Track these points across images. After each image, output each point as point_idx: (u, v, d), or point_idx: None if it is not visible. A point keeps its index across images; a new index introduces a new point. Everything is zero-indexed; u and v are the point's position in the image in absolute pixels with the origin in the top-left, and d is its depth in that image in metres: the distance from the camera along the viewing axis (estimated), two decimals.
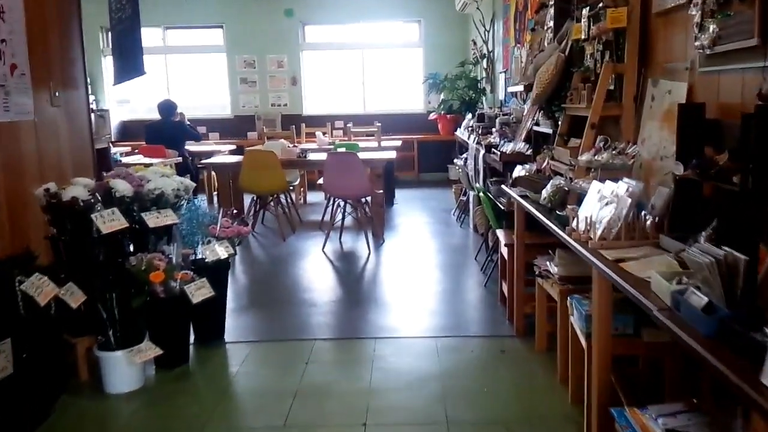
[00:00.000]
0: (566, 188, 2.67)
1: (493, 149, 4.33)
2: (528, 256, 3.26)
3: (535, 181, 2.98)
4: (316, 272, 4.87)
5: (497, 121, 4.85)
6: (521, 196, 3.11)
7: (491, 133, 5.33)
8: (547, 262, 2.91)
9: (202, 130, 10.26)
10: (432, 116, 9.60)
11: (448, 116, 9.48)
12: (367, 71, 10.25)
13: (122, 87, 10.92)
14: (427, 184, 9.46)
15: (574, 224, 2.25)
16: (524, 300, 3.33)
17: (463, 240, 5.83)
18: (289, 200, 6.83)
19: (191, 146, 8.31)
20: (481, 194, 4.33)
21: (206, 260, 3.23)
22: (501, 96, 5.87)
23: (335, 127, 9.93)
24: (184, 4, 10.00)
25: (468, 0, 7.65)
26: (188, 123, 7.92)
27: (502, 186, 3.53)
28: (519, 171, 3.57)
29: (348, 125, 8.19)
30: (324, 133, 8.40)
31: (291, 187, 6.79)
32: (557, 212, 2.55)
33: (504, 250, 3.62)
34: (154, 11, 10.03)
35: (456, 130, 9.36)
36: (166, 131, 7.58)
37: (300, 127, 9.28)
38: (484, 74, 7.39)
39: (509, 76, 5.81)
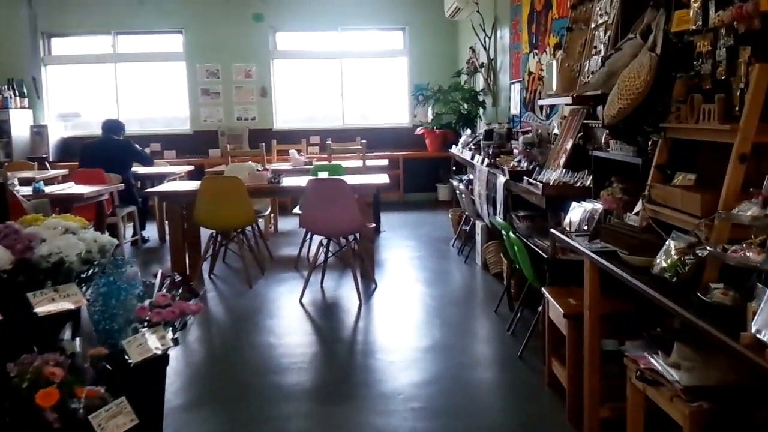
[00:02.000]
0: (703, 256, 1.67)
1: (526, 177, 3.31)
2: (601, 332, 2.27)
3: (632, 236, 1.98)
4: (292, 339, 3.75)
5: (520, 140, 3.87)
6: (598, 252, 2.11)
7: (508, 154, 4.35)
8: (652, 358, 1.90)
9: (156, 147, 9.11)
10: (419, 131, 8.62)
11: (437, 131, 8.52)
12: (347, 82, 9.23)
13: (69, 99, 9.77)
14: (414, 206, 8.45)
15: (757, 330, 1.24)
16: (599, 396, 2.32)
17: (473, 281, 4.81)
18: (256, 232, 5.73)
19: (140, 168, 7.16)
20: (509, 235, 3.33)
21: (130, 361, 2.12)
22: (514, 109, 4.90)
23: (311, 143, 8.87)
24: (138, 7, 8.84)
25: (461, 5, 6.69)
26: (140, 149, 6.80)
27: (562, 236, 2.51)
28: (579, 212, 2.58)
29: (327, 142, 7.16)
30: (299, 151, 7.34)
31: (259, 219, 5.69)
32: (699, 296, 1.55)
33: (560, 322, 2.61)
34: (103, 15, 8.88)
35: (446, 147, 8.42)
36: (108, 151, 6.39)
37: (270, 143, 8.19)
38: (484, 85, 6.43)
39: (525, 86, 4.85)
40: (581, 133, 3.22)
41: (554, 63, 3.34)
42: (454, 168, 7.93)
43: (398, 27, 9.08)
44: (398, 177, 8.45)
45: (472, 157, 5.28)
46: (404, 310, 4.15)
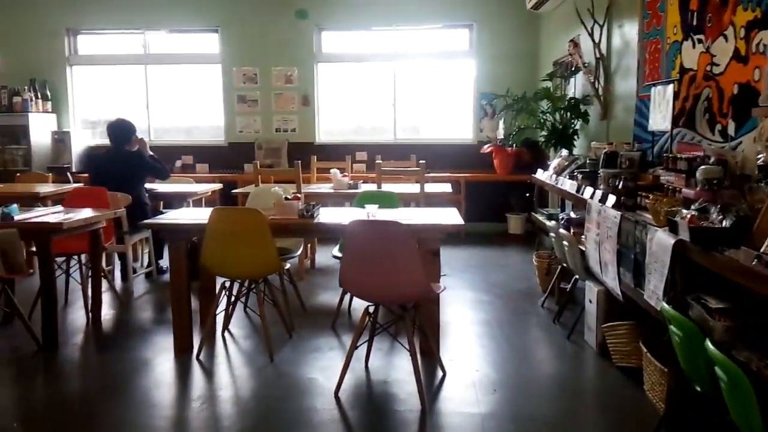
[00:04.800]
0: None
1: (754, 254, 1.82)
2: None
3: None
4: None
5: (699, 174, 2.39)
6: None
7: (651, 190, 2.87)
8: None
9: (188, 160, 8.00)
10: (486, 149, 7.19)
11: (509, 150, 7.07)
12: (400, 89, 7.88)
13: (94, 105, 8.82)
14: (479, 241, 6.98)
15: None
16: None
17: (589, 378, 3.30)
18: (285, 278, 4.40)
19: (159, 184, 5.98)
20: (704, 346, 1.87)
21: None
22: (661, 124, 3.32)
23: (356, 159, 7.57)
24: (170, 2, 7.80)
25: None
26: (151, 153, 5.54)
27: None
28: None
29: (377, 160, 5.81)
30: (342, 171, 6.00)
31: (287, 263, 4.33)
32: None
33: None
34: (132, 11, 7.86)
35: (519, 169, 6.97)
36: (116, 164, 5.23)
37: (311, 160, 6.92)
38: (588, 91, 4.91)
39: (675, 90, 3.30)
40: None
41: None
42: (527, 195, 6.48)
43: (464, 24, 7.68)
44: (459, 203, 7.01)
45: (580, 190, 3.82)
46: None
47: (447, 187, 5.70)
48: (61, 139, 7.81)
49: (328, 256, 6.01)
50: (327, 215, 3.79)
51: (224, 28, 7.89)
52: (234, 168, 7.87)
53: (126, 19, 7.92)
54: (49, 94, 7.94)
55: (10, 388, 3.22)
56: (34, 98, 7.68)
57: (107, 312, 4.53)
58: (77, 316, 4.42)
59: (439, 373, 3.25)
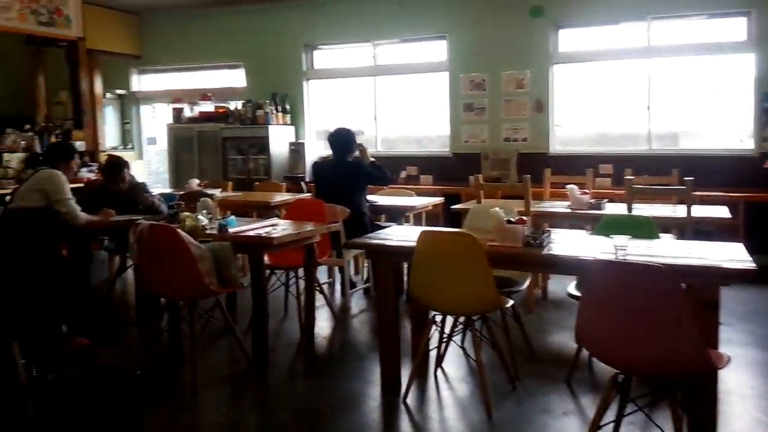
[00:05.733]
0: None
1: None
2: None
3: None
4: None
5: None
6: None
7: None
8: None
9: (412, 171, 7.78)
10: None
11: None
12: (655, 90, 6.63)
13: (327, 117, 9.20)
14: (766, 278, 5.37)
15: None
16: None
17: None
18: (508, 313, 3.71)
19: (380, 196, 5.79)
20: None
21: None
22: None
23: (599, 173, 6.52)
24: (399, 13, 7.70)
25: None
26: (372, 160, 5.26)
27: None
28: None
29: (625, 174, 4.79)
30: (581, 187, 5.09)
31: (510, 299, 3.62)
32: None
33: None
34: (362, 24, 7.95)
35: None
36: (337, 176, 5.07)
37: (543, 173, 6.10)
38: None
39: None
40: None
41: None
42: None
43: (739, 11, 6.17)
44: (736, 228, 5.53)
45: None
46: None
47: (722, 211, 4.44)
48: (296, 150, 8.20)
49: (564, 285, 5.14)
50: (561, 244, 3.02)
51: (452, 34, 7.52)
52: (459, 180, 7.41)
53: (357, 32, 8.04)
54: (288, 107, 8.43)
55: (213, 409, 3.12)
56: (274, 111, 8.22)
57: (322, 327, 4.38)
58: (292, 331, 4.32)
59: None
